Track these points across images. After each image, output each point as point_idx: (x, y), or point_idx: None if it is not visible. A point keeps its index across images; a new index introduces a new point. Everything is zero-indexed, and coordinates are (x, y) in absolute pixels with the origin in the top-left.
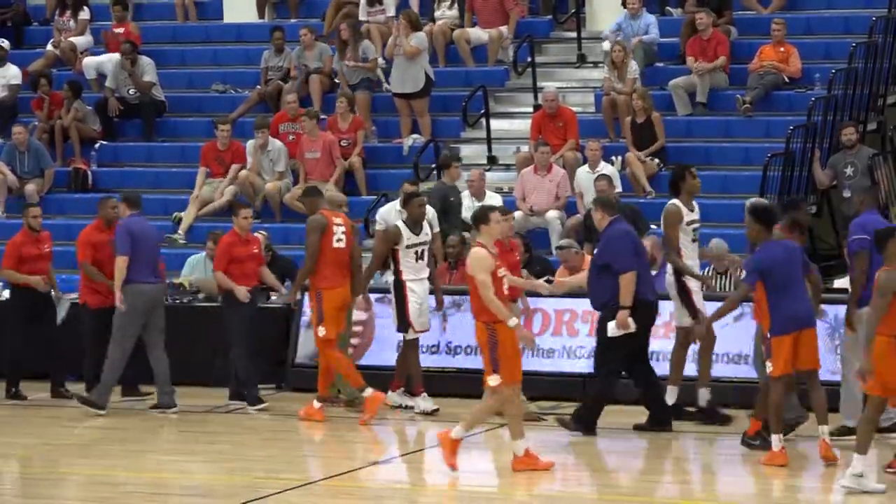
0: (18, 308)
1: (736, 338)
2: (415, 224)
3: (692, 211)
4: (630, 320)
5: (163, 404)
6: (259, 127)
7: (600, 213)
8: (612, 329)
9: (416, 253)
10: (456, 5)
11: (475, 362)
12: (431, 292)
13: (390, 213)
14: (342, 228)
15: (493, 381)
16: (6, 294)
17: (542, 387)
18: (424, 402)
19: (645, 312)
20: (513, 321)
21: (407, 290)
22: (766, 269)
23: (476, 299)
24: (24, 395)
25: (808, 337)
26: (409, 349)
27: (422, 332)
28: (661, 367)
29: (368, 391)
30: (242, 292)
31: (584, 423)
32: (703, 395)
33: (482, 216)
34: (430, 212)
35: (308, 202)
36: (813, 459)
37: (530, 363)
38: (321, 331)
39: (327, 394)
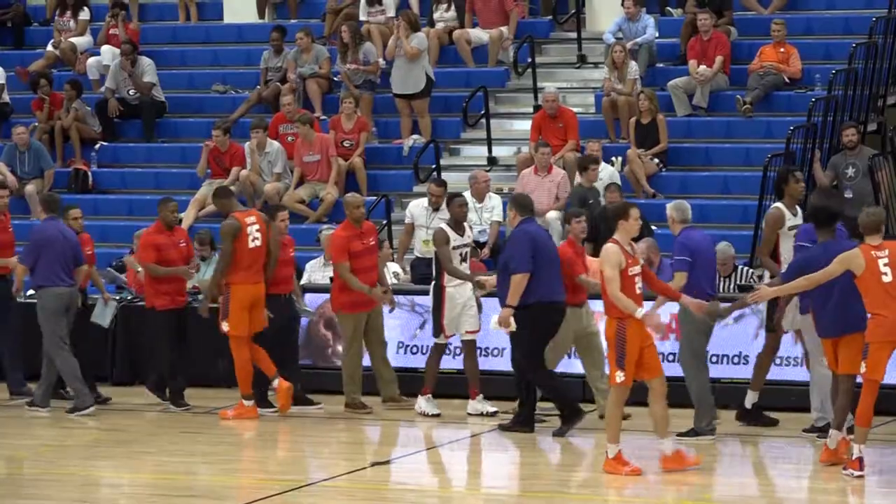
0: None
1: (736, 338)
2: (458, 225)
3: (795, 215)
4: (511, 320)
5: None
6: (254, 128)
7: (513, 213)
8: (493, 323)
9: (461, 255)
10: (453, 7)
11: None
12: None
13: (419, 209)
14: (256, 227)
15: (619, 377)
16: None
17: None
18: (427, 405)
19: (552, 313)
20: (640, 311)
21: (446, 295)
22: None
23: (606, 294)
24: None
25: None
26: (436, 352)
27: (459, 335)
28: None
29: (276, 382)
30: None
31: (570, 420)
32: (751, 398)
33: (622, 212)
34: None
35: (220, 203)
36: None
37: None
38: (224, 326)
39: (250, 391)
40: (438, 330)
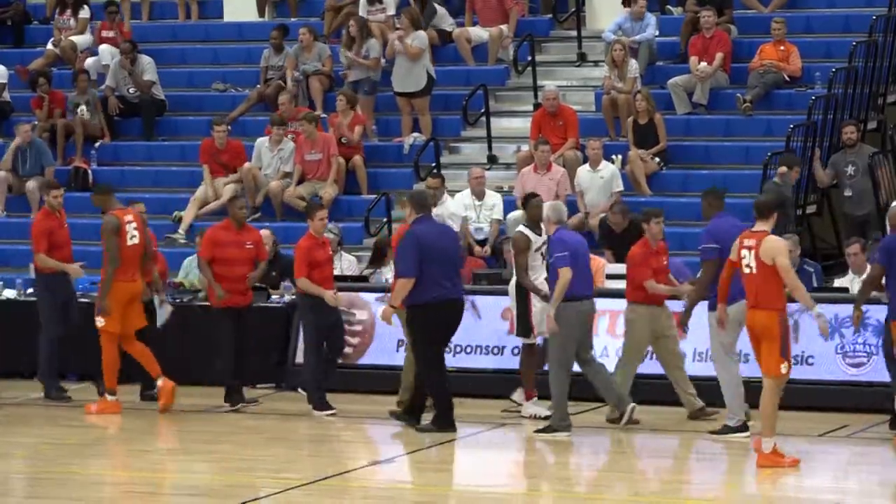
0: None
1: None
2: (535, 225)
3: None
4: (390, 317)
5: None
6: (276, 124)
7: (409, 210)
8: (380, 315)
9: (542, 255)
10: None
11: (476, 362)
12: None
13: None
14: (133, 225)
15: (784, 368)
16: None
17: (544, 385)
18: (536, 407)
19: (447, 310)
20: (818, 309)
21: (531, 294)
22: None
23: (769, 286)
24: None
25: None
26: (528, 354)
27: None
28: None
29: (161, 381)
30: (330, 296)
31: (437, 425)
32: None
33: (779, 203)
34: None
35: (99, 200)
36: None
37: None
38: (99, 321)
39: (115, 386)
40: (528, 330)
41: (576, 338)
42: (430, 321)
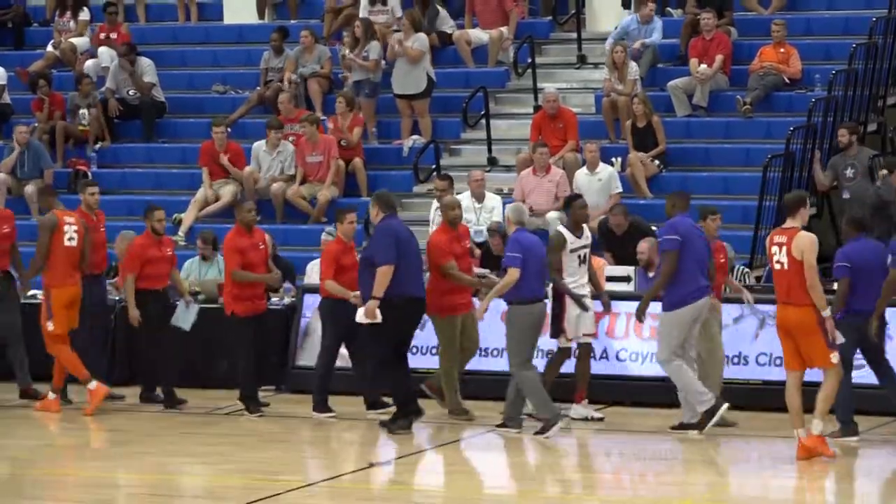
0: (142, 312)
1: (735, 339)
2: (577, 227)
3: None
4: (377, 311)
5: None
6: (272, 127)
7: (376, 209)
8: (360, 316)
9: (580, 257)
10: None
11: (475, 363)
12: (594, 296)
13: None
14: (74, 227)
15: (834, 358)
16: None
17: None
18: (587, 410)
19: (412, 308)
20: (828, 312)
21: (567, 296)
22: None
23: (802, 281)
24: (158, 397)
25: None
26: (558, 356)
27: (577, 339)
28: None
29: (93, 384)
30: (356, 298)
31: (397, 422)
32: None
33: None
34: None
35: (43, 200)
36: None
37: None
38: (49, 326)
39: (61, 385)
40: (559, 332)
41: (530, 339)
42: (396, 316)
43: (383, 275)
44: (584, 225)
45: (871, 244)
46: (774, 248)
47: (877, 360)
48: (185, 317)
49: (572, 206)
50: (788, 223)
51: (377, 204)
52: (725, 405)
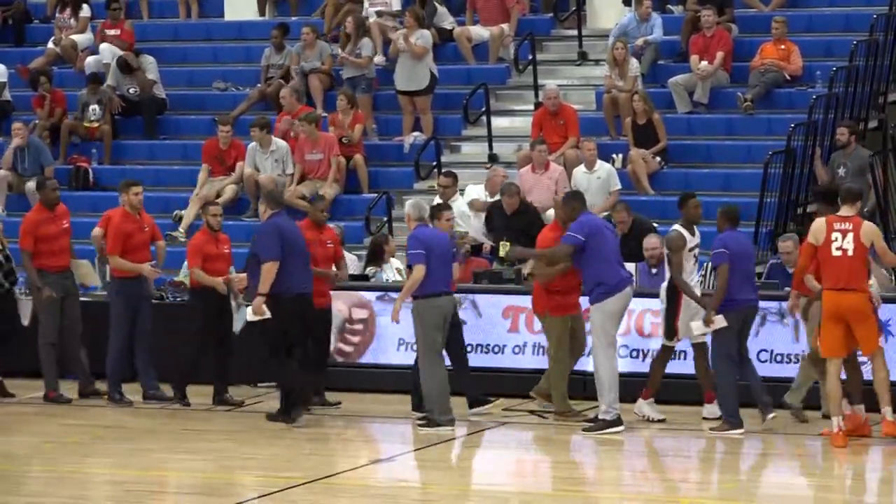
0: (198, 310)
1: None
2: (690, 225)
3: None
4: (265, 308)
5: None
6: (255, 126)
7: (264, 206)
8: (249, 314)
9: (695, 256)
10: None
11: (476, 361)
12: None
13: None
14: None
15: (882, 341)
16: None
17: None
18: (650, 409)
19: (297, 304)
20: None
21: (682, 296)
22: None
23: (862, 268)
24: (189, 401)
25: None
26: (664, 355)
27: (689, 338)
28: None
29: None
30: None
31: (287, 414)
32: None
33: (861, 193)
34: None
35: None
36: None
37: (533, 362)
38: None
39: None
40: (672, 333)
41: (438, 333)
42: (282, 311)
43: (268, 271)
44: (694, 225)
45: (742, 235)
46: (836, 235)
47: (742, 353)
48: (235, 319)
49: (687, 204)
50: (846, 211)
51: (265, 201)
52: (621, 427)
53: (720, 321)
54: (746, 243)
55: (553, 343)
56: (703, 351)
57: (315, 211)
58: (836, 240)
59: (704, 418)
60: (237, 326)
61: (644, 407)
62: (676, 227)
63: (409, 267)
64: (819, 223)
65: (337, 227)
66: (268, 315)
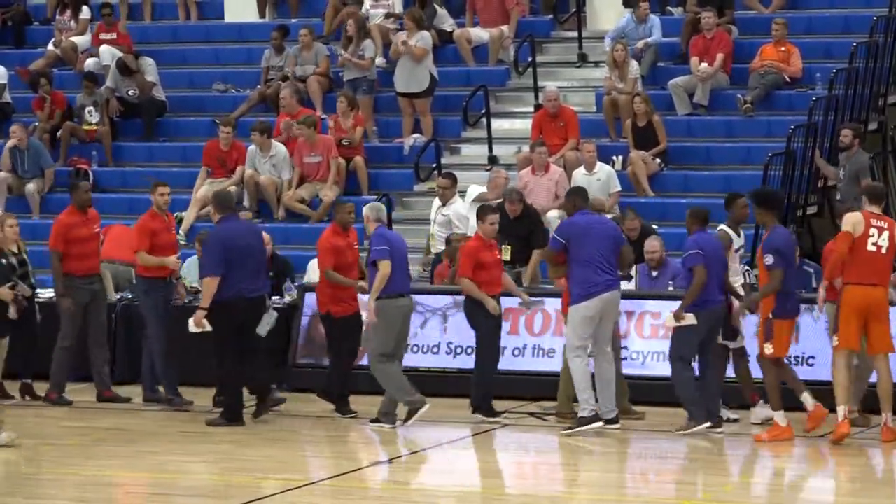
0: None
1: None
2: (736, 225)
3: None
4: (205, 322)
5: None
6: (255, 130)
7: (213, 210)
8: (191, 326)
9: (740, 256)
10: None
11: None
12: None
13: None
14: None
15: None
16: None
17: (546, 386)
18: (762, 410)
19: (241, 308)
20: None
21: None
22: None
23: (891, 266)
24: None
25: None
26: (740, 357)
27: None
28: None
29: None
30: (492, 304)
31: (230, 416)
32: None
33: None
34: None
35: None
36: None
37: (533, 363)
38: None
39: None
40: (734, 332)
41: (396, 333)
42: (226, 319)
43: (207, 286)
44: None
45: (713, 236)
46: (873, 231)
47: (704, 355)
48: (262, 322)
49: (735, 204)
50: (875, 209)
51: (214, 204)
52: (599, 423)
53: (690, 318)
54: (718, 244)
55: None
56: (742, 354)
57: (342, 213)
58: (872, 235)
59: (753, 423)
60: (262, 330)
61: (763, 411)
62: (723, 227)
63: (373, 264)
64: (857, 216)
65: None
66: (208, 328)
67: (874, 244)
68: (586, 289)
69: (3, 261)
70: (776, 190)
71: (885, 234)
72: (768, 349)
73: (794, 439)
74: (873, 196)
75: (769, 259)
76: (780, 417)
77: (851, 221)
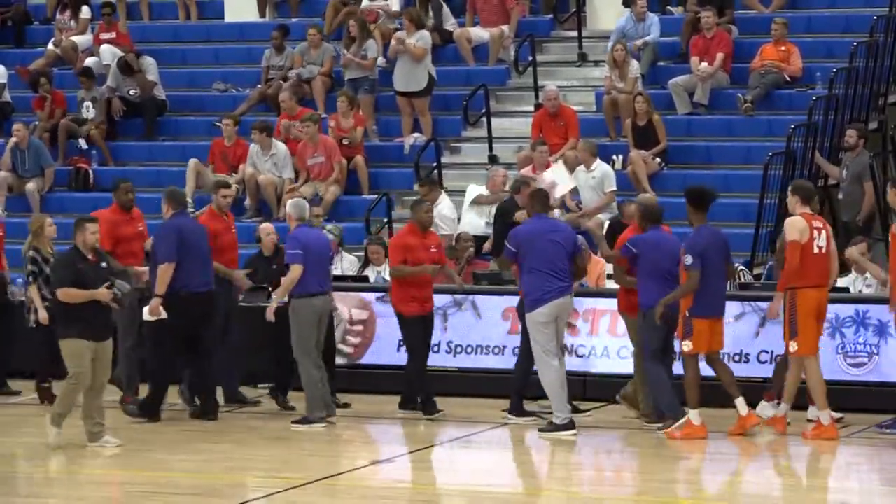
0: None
1: (736, 337)
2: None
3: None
4: (161, 309)
5: None
6: (255, 129)
7: (167, 206)
8: (146, 314)
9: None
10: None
11: (477, 362)
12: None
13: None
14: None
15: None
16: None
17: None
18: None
19: (195, 303)
20: None
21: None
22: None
23: None
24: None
25: None
26: (784, 359)
27: None
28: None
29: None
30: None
31: (149, 411)
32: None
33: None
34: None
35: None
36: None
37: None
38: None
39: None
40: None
41: (312, 332)
42: (176, 309)
43: (163, 273)
44: None
45: (666, 235)
46: (815, 233)
47: (667, 351)
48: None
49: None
50: (808, 209)
51: (168, 201)
52: (572, 432)
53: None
54: (673, 240)
55: (638, 344)
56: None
57: (420, 212)
58: (815, 238)
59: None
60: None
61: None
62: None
63: (287, 266)
64: (801, 223)
65: (336, 228)
66: (164, 316)
67: (818, 246)
68: (539, 295)
69: (40, 260)
70: (709, 189)
71: (823, 233)
72: (686, 346)
73: (707, 439)
74: (805, 196)
75: (688, 259)
76: (694, 416)
77: (798, 228)
